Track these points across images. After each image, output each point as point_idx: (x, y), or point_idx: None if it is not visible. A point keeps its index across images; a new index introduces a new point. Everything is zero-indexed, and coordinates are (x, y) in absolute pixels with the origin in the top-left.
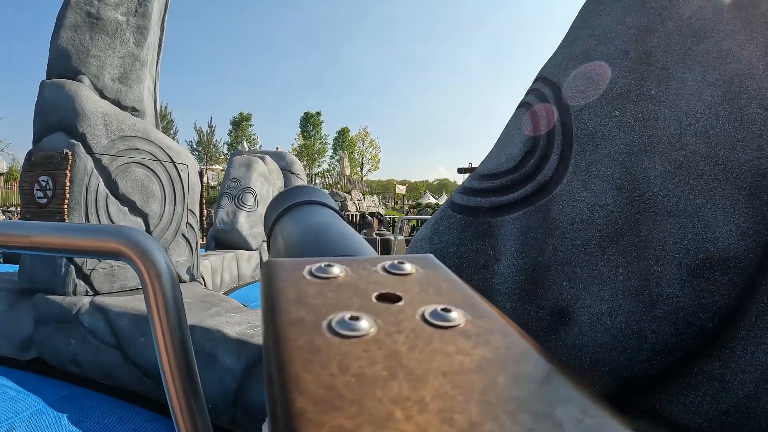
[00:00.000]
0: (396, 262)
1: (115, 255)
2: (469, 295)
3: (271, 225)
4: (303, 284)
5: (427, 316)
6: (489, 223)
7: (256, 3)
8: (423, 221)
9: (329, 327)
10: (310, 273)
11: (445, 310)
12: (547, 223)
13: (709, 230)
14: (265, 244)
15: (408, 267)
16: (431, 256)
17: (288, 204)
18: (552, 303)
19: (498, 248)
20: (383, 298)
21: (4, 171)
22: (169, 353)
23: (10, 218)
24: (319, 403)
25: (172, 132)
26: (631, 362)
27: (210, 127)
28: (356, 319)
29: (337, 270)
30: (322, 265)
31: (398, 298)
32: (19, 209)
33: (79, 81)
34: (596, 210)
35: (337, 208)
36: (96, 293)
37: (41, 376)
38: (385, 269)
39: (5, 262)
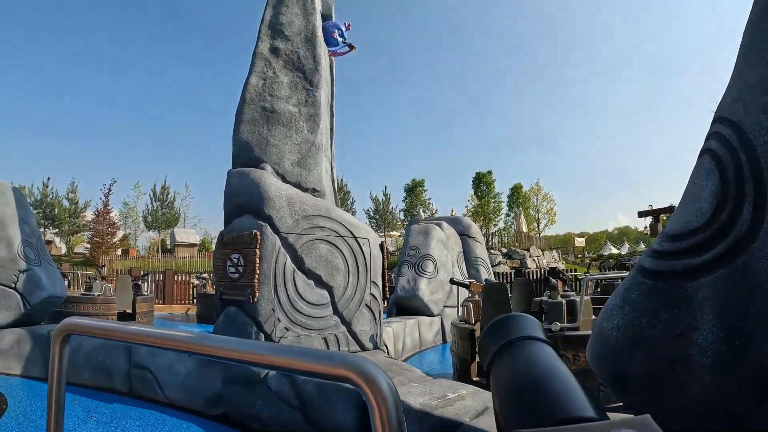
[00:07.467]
0: None
1: (343, 379)
2: None
3: (489, 362)
4: None
5: None
6: (683, 288)
7: (414, 72)
8: (606, 279)
9: None
10: None
11: None
12: (747, 283)
13: None
14: (446, 310)
15: None
16: (648, 417)
17: (502, 342)
18: (755, 375)
19: (694, 315)
20: None
21: (198, 242)
22: None
23: (204, 283)
24: None
25: (349, 202)
26: None
27: (385, 195)
28: None
29: None
30: None
31: None
32: (210, 275)
33: (263, 168)
34: None
35: (546, 338)
36: None
37: (227, 428)
38: None
39: (199, 321)
